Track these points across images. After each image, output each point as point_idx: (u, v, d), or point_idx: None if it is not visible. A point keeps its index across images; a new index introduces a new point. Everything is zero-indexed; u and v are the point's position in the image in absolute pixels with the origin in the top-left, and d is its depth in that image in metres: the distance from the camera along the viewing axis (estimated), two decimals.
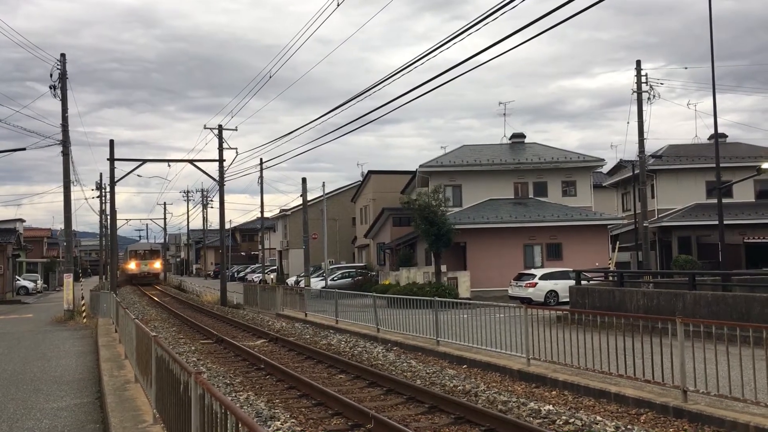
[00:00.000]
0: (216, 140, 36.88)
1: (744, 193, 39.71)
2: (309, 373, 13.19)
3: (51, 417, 9.55)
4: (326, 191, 47.87)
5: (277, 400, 10.59)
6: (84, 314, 25.65)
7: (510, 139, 43.79)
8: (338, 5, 15.47)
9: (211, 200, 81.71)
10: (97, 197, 60.47)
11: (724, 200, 26.65)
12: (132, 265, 64.51)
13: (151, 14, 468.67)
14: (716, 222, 25.41)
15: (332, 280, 40.42)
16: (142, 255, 65.16)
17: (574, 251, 34.65)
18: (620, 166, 47.81)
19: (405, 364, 13.65)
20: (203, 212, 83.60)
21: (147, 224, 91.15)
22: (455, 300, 19.71)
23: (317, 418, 9.44)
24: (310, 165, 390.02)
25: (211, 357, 15.83)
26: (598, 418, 8.73)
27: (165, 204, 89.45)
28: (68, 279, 27.54)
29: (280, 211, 65.17)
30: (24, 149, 28.83)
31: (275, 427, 8.53)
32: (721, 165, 25.44)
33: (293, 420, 9.10)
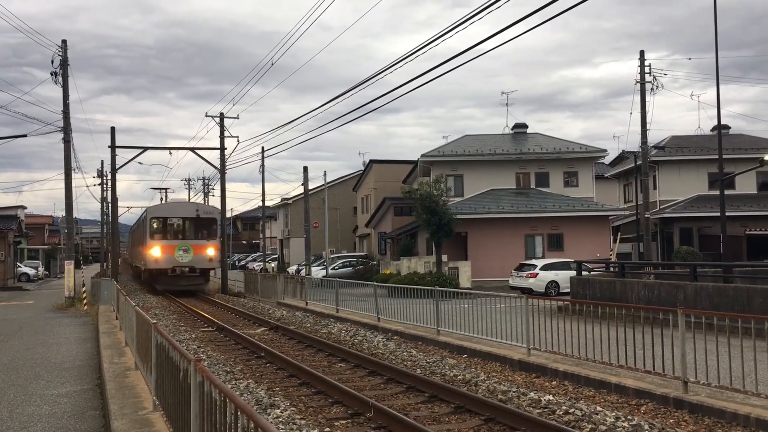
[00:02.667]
0: (217, 128, 36.84)
1: (746, 184, 39.65)
2: (309, 361, 13.20)
3: (51, 403, 9.56)
4: (327, 180, 47.84)
5: (277, 388, 10.60)
6: (85, 301, 25.69)
7: (512, 129, 43.73)
8: None
9: (212, 188, 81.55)
10: (99, 184, 60.46)
11: (727, 192, 26.60)
12: (156, 251, 31.68)
13: None
14: (718, 213, 25.38)
15: (333, 269, 40.45)
16: (178, 229, 33.53)
17: (576, 242, 34.63)
18: (622, 156, 47.71)
19: (405, 354, 13.65)
20: (204, 200, 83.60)
21: None
22: (456, 290, 19.70)
23: (317, 406, 9.43)
24: (311, 153, 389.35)
25: (211, 345, 15.84)
26: (598, 408, 8.72)
27: (166, 191, 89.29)
28: (69, 266, 27.56)
29: (282, 200, 65.16)
30: (25, 136, 28.80)
31: (275, 415, 8.53)
32: (724, 156, 25.37)
33: (293, 408, 9.10)
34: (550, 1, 11.24)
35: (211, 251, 32.49)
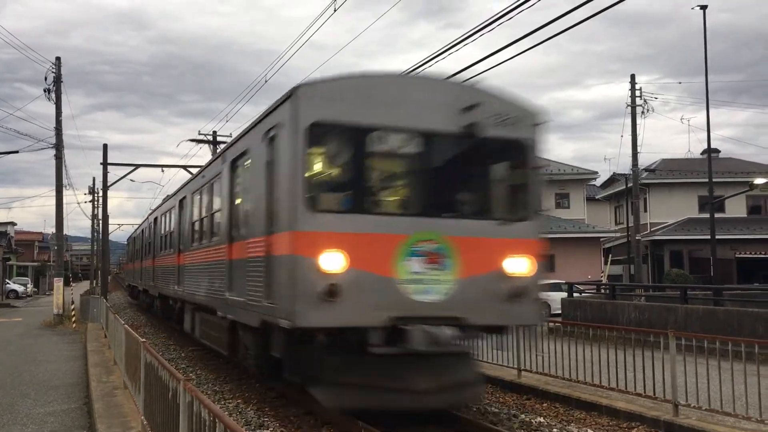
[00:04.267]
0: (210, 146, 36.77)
1: (736, 208, 39.89)
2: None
3: (38, 422, 9.45)
4: None
5: (267, 408, 10.51)
6: (74, 319, 25.48)
7: None
8: (335, 11, 15.47)
9: None
10: (90, 201, 60.19)
11: (717, 215, 26.75)
12: (328, 261, 7.23)
13: (142, 15, 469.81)
14: (708, 236, 25.51)
15: None
16: (405, 181, 8.22)
17: (567, 263, 34.65)
18: (613, 179, 47.97)
19: None
20: None
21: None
22: None
23: (307, 427, 9.36)
24: None
25: (200, 364, 15.70)
26: (589, 431, 8.70)
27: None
28: (58, 283, 27.37)
29: None
30: (17, 152, 28.75)
31: None
32: (714, 180, 25.56)
33: (282, 429, 9.03)
34: (541, 24, 11.35)
35: (522, 263, 9.00)
